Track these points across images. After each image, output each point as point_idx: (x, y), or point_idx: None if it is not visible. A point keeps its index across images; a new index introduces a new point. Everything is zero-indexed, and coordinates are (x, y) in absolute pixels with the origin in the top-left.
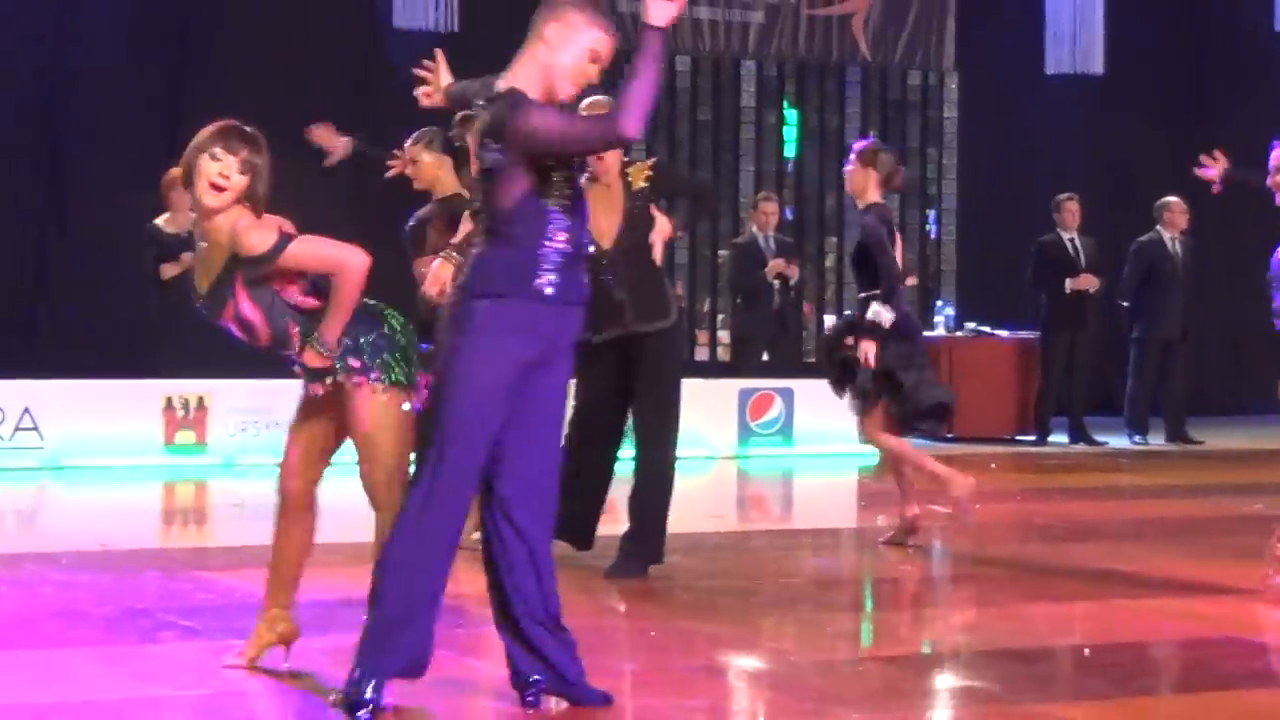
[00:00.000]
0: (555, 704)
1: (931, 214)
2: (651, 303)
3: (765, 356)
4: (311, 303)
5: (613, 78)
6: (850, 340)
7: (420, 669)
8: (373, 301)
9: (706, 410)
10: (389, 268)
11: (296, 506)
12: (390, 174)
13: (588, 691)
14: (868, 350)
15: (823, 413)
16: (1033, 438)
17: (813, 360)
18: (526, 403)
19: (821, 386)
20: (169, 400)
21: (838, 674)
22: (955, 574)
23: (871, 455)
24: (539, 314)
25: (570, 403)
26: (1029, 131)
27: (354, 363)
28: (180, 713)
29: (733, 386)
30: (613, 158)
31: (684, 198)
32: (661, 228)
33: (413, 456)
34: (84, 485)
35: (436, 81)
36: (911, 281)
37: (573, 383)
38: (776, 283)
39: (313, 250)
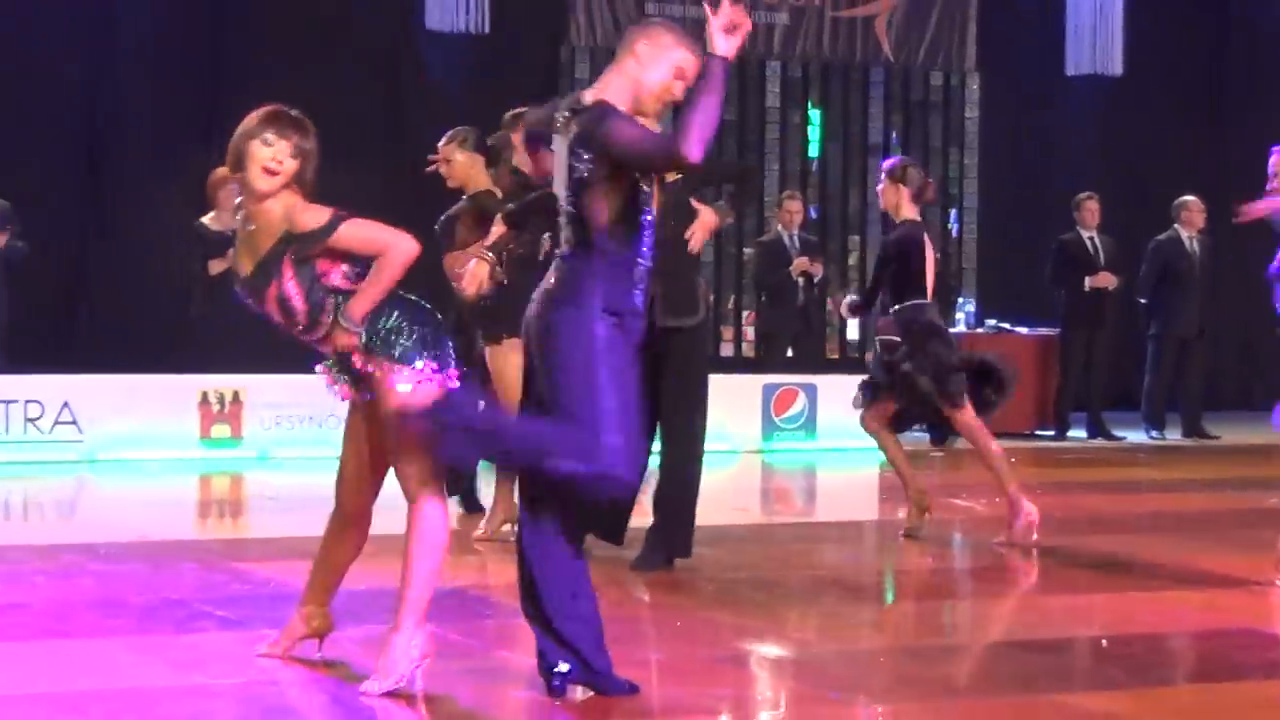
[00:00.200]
0: (582, 692)
1: (953, 213)
2: (682, 298)
3: (790, 352)
4: (353, 288)
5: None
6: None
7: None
8: (407, 294)
9: (731, 405)
10: (421, 261)
11: (352, 520)
12: (430, 170)
13: (615, 682)
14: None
15: (845, 408)
16: (1052, 432)
17: (836, 356)
18: None
19: (844, 382)
20: (204, 395)
21: (860, 664)
22: (975, 566)
23: None
24: (633, 327)
25: None
26: (1049, 131)
27: (381, 352)
28: (216, 700)
29: (757, 382)
30: None
31: (726, 183)
32: (705, 219)
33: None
34: (122, 478)
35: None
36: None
37: None
38: (801, 280)
39: (365, 232)
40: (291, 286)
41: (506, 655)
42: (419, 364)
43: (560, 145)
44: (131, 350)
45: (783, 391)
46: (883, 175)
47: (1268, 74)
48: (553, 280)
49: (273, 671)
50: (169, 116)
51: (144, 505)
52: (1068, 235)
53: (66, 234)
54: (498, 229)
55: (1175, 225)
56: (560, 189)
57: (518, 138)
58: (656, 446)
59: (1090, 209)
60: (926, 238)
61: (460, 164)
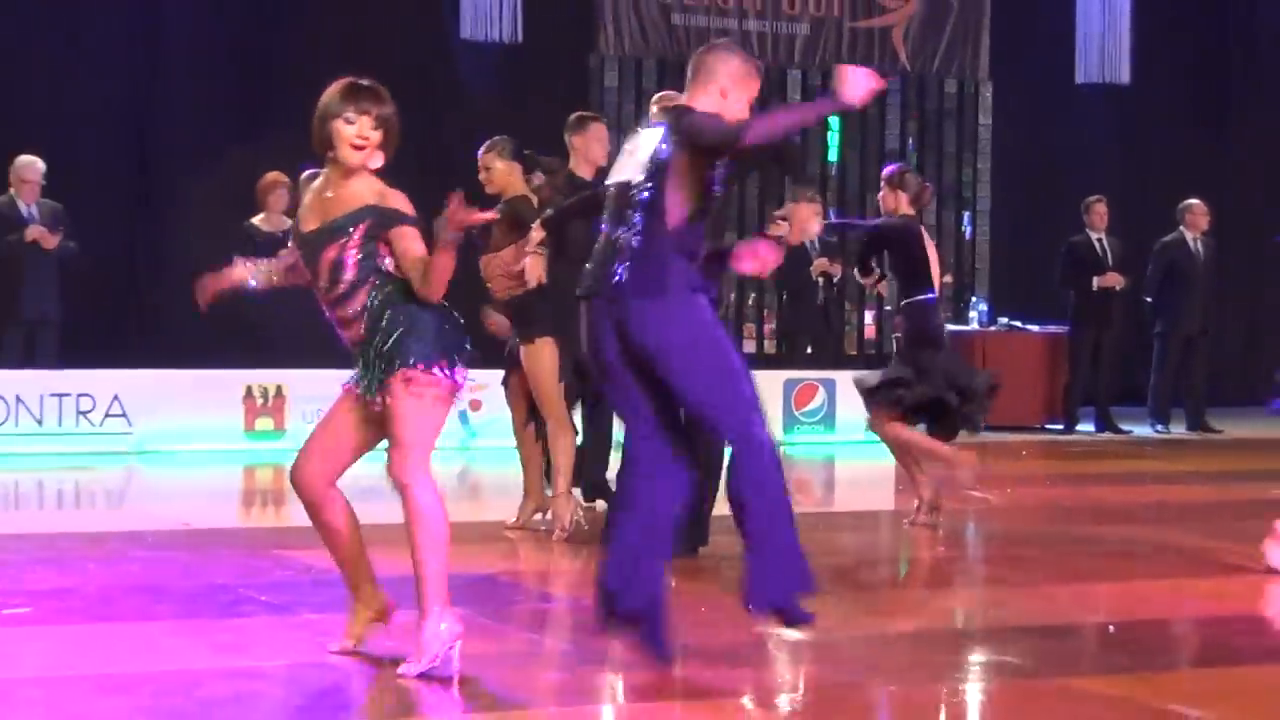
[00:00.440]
0: (611, 679)
1: (966, 216)
2: None
3: (809, 350)
4: (395, 276)
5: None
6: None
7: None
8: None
9: None
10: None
11: (321, 504)
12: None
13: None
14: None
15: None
16: (1061, 426)
17: (854, 353)
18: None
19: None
20: (249, 389)
21: (875, 648)
22: (986, 554)
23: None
24: (712, 300)
25: None
26: (1059, 137)
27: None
28: (259, 681)
29: (778, 377)
30: None
31: (768, 165)
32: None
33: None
34: (169, 469)
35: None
36: (947, 279)
37: None
38: (820, 280)
39: (417, 248)
40: (352, 254)
41: (536, 639)
42: (431, 365)
43: (648, 136)
44: (179, 347)
45: (803, 387)
46: (882, 181)
47: (1269, 82)
48: (624, 275)
49: (314, 654)
50: (215, 121)
51: (189, 495)
52: (1077, 237)
53: (117, 235)
54: (538, 234)
55: (1180, 227)
56: (639, 176)
57: (579, 139)
58: None
59: (1099, 212)
60: (923, 229)
61: (499, 171)
